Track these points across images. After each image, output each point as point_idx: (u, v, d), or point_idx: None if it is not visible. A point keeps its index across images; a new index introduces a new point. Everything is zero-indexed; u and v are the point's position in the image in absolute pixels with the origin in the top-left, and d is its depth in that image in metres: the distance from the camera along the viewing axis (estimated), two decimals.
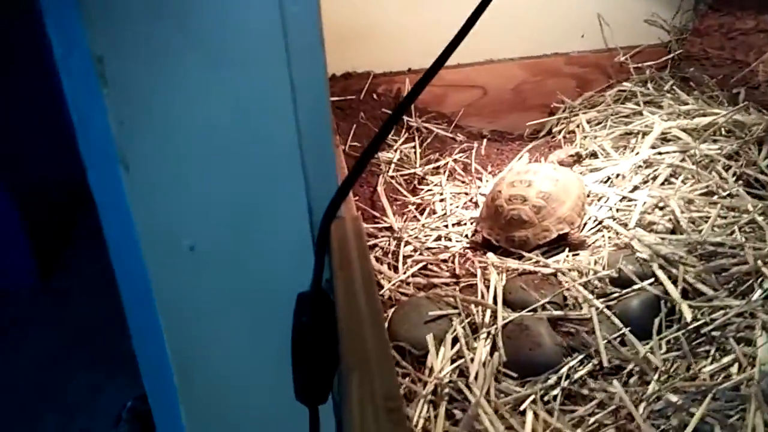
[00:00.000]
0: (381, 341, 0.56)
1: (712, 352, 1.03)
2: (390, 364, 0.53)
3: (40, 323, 2.82)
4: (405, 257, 1.27)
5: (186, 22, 0.60)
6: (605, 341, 1.05)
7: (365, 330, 0.58)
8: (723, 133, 1.45)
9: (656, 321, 1.08)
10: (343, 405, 0.57)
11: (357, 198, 1.42)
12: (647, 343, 1.05)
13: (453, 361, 1.03)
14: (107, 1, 0.56)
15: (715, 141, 1.43)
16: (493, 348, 1.05)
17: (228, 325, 0.71)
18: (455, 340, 1.06)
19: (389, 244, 1.30)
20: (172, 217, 0.65)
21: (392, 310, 1.13)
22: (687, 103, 1.57)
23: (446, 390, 0.98)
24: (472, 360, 1.02)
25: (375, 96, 1.67)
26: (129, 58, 0.59)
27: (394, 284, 1.19)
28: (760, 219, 1.21)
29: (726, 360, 1.01)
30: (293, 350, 0.70)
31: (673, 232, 1.23)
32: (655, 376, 0.99)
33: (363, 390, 0.51)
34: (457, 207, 1.43)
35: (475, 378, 1.00)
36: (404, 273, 1.22)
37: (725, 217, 1.24)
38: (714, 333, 1.05)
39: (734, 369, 1.00)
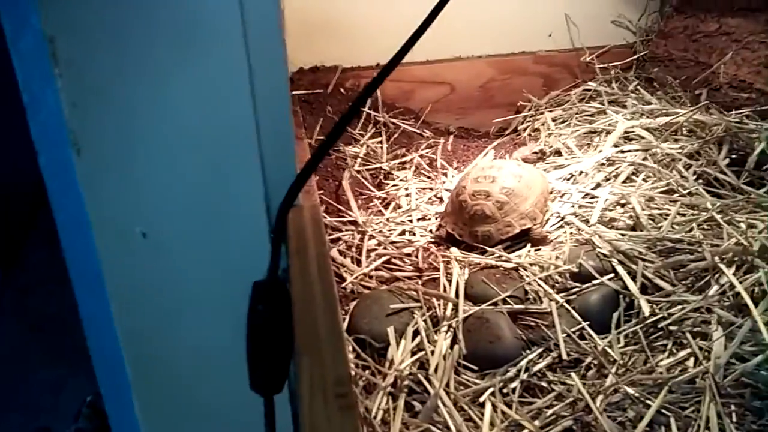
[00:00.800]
0: (334, 327, 0.56)
1: (669, 346, 1.05)
2: (342, 350, 0.53)
3: (0, 317, 2.78)
4: (369, 251, 1.26)
5: (144, 3, 0.59)
6: (564, 335, 1.06)
7: (318, 316, 0.58)
8: (684, 132, 1.47)
9: (615, 315, 1.09)
10: (296, 391, 0.56)
11: (322, 192, 1.41)
12: (606, 337, 1.06)
13: (413, 354, 1.03)
14: None
15: (676, 140, 1.45)
16: (454, 341, 1.05)
17: (182, 313, 0.70)
18: (416, 333, 1.06)
19: (353, 238, 1.30)
20: (124, 202, 0.64)
21: (354, 303, 1.12)
22: (650, 103, 1.59)
23: (406, 382, 0.98)
24: (432, 353, 1.03)
25: (342, 90, 1.66)
26: (83, 38, 0.58)
27: (356, 277, 1.18)
28: (718, 217, 1.22)
29: (682, 354, 1.03)
30: (248, 339, 0.69)
31: (633, 228, 1.25)
32: (613, 369, 1.00)
33: (313, 375, 0.50)
34: (423, 202, 1.43)
35: (435, 370, 1.00)
36: (367, 266, 1.22)
37: (684, 215, 1.26)
38: (671, 327, 1.06)
39: (690, 363, 1.02)
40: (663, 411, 0.95)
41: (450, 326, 1.07)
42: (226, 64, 0.65)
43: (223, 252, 0.69)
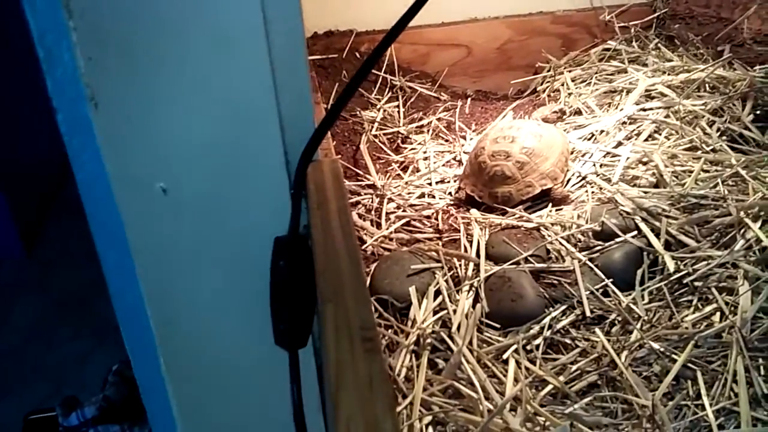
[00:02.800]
0: (357, 275, 0.56)
1: (695, 301, 1.03)
2: (365, 296, 0.53)
3: (26, 294, 2.82)
4: (388, 214, 1.26)
5: None
6: (588, 292, 1.05)
7: (341, 265, 0.57)
8: (707, 89, 1.44)
9: (639, 272, 1.08)
10: (321, 338, 0.56)
11: (340, 156, 1.41)
12: (630, 294, 1.05)
13: (435, 313, 1.03)
14: None
15: (699, 97, 1.42)
16: (476, 300, 1.05)
17: (204, 270, 0.70)
18: (437, 293, 1.06)
19: (372, 202, 1.29)
20: (144, 158, 0.63)
21: (375, 264, 1.12)
22: (671, 60, 1.56)
23: (429, 340, 0.98)
24: (454, 311, 1.02)
25: (358, 54, 1.65)
26: None
27: (377, 239, 1.18)
28: (743, 172, 1.20)
29: (708, 309, 1.01)
30: (272, 295, 0.69)
31: (656, 186, 1.23)
32: (638, 325, 1.00)
33: (338, 320, 0.50)
34: (441, 165, 1.42)
35: (458, 329, 0.99)
36: (387, 229, 1.21)
37: (708, 171, 1.24)
38: (696, 283, 1.05)
39: (716, 318, 1.00)
40: (689, 365, 0.94)
41: (472, 286, 1.06)
42: (243, 17, 0.64)
43: (244, 208, 0.69)
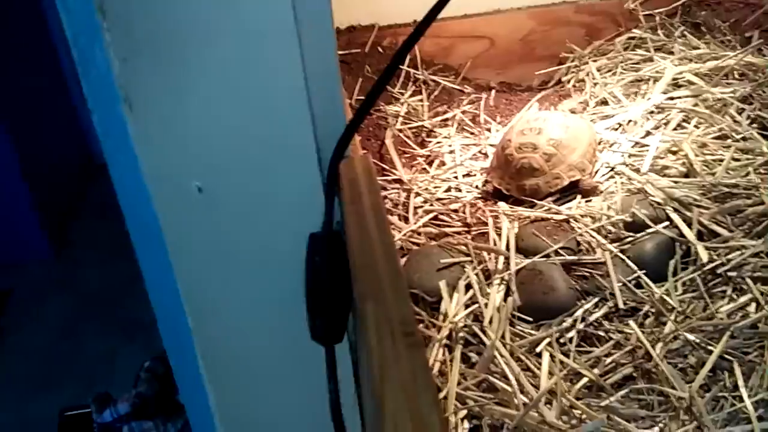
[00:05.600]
0: (394, 271, 0.56)
1: (729, 292, 1.02)
2: (404, 292, 0.53)
3: (54, 293, 2.85)
4: (415, 208, 1.26)
5: None
6: (620, 284, 1.04)
7: (378, 261, 0.57)
8: (736, 76, 1.42)
9: (671, 263, 1.07)
10: (359, 333, 0.56)
11: (365, 151, 1.40)
12: (663, 285, 1.04)
13: (467, 307, 1.02)
14: None
15: (728, 84, 1.40)
16: (507, 293, 1.04)
17: (240, 266, 0.71)
18: (468, 287, 1.05)
19: (399, 196, 1.29)
20: (179, 157, 0.64)
21: (404, 259, 1.12)
22: (698, 48, 1.54)
23: (461, 334, 0.98)
24: (486, 305, 1.02)
25: (380, 49, 1.64)
26: None
27: (405, 234, 1.18)
28: None
29: (743, 299, 1.00)
30: (307, 291, 0.69)
31: (686, 175, 1.21)
32: (672, 317, 0.99)
33: (379, 317, 0.50)
34: (467, 158, 1.41)
35: (490, 322, 0.99)
36: (415, 223, 1.21)
37: (739, 160, 1.22)
38: (730, 273, 1.04)
39: (752, 308, 0.99)
40: (725, 357, 0.93)
41: (502, 279, 1.06)
42: (274, 16, 0.64)
43: (278, 205, 0.69)
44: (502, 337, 0.97)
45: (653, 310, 1.01)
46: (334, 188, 0.66)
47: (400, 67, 1.62)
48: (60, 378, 2.46)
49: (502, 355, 0.93)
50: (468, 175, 1.37)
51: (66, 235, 3.17)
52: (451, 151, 1.44)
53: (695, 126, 1.32)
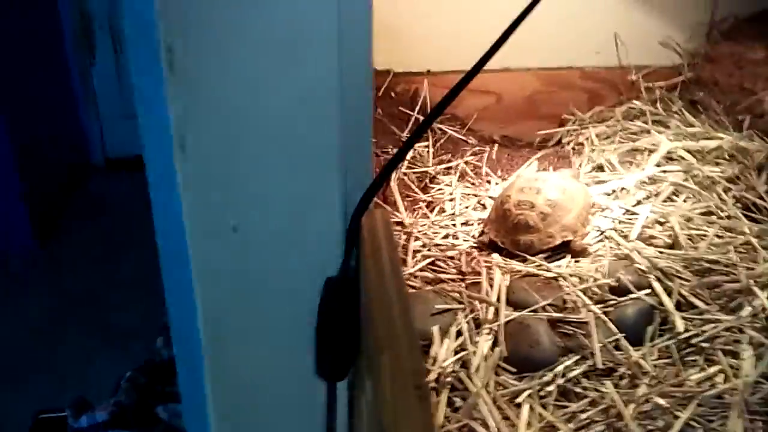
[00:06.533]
0: (408, 324, 0.62)
1: (701, 362, 1.09)
2: (416, 344, 0.59)
3: (36, 287, 2.82)
4: (414, 251, 1.32)
5: (253, 12, 0.65)
6: (600, 345, 1.11)
7: (394, 314, 0.64)
8: (726, 157, 1.51)
9: (650, 329, 1.14)
10: (367, 378, 0.62)
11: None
12: (640, 350, 1.11)
13: (456, 353, 1.09)
14: None
15: (717, 164, 1.49)
16: (494, 343, 1.11)
17: (260, 300, 0.77)
18: (458, 333, 1.12)
19: (399, 238, 1.36)
20: (221, 198, 0.70)
21: None
22: (693, 126, 1.63)
23: (449, 379, 1.04)
24: (474, 353, 1.08)
25: (393, 95, 1.72)
26: (197, 47, 0.64)
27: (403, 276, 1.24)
28: (755, 241, 1.27)
29: (713, 370, 1.07)
30: (318, 329, 0.76)
31: (671, 246, 1.29)
32: (646, 380, 1.06)
33: (394, 368, 0.56)
34: (467, 208, 1.49)
35: (476, 370, 1.06)
36: (413, 267, 1.28)
37: (722, 237, 1.30)
38: (703, 344, 1.11)
39: (719, 379, 1.06)
40: (691, 423, 1.00)
41: (491, 329, 1.13)
42: (319, 74, 0.71)
43: (302, 248, 0.76)
44: (487, 385, 1.03)
45: (629, 372, 1.08)
46: (355, 241, 0.73)
47: (411, 113, 1.70)
48: (33, 377, 2.42)
49: (485, 403, 1.00)
50: (466, 224, 1.45)
51: (53, 232, 3.12)
52: (452, 199, 1.51)
53: (684, 200, 1.41)
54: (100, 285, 2.75)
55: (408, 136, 1.69)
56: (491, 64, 1.76)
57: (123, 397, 1.81)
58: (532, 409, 1.01)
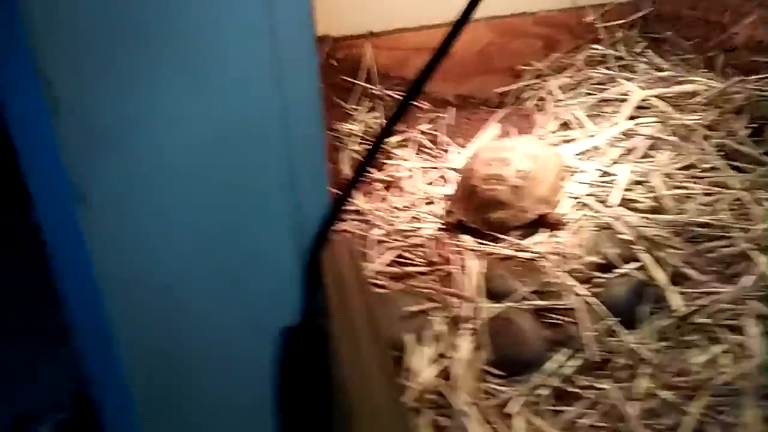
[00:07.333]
0: (391, 389, 0.49)
1: (703, 342, 1.00)
2: (403, 413, 0.46)
3: None
4: (377, 242, 1.19)
5: (152, 41, 0.49)
6: (592, 334, 1.00)
7: (372, 379, 0.51)
8: (701, 101, 1.39)
9: (644, 309, 1.04)
10: None
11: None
12: (635, 333, 1.01)
13: (434, 361, 0.97)
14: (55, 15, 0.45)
15: (693, 111, 1.37)
16: (477, 345, 0.99)
17: (204, 366, 0.63)
18: (435, 338, 1.00)
19: (358, 228, 1.22)
20: (134, 253, 0.55)
21: None
22: (663, 69, 1.50)
23: (430, 396, 0.92)
24: (455, 360, 0.96)
25: (334, 62, 1.56)
26: (83, 79, 0.49)
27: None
28: (746, 196, 1.17)
29: (717, 350, 0.98)
30: (281, 391, 0.62)
31: (656, 210, 1.18)
32: (646, 370, 0.95)
33: None
34: (429, 184, 1.35)
35: (460, 382, 0.94)
36: (376, 262, 1.14)
37: (710, 194, 1.20)
38: (704, 321, 1.01)
39: (726, 360, 0.97)
40: (701, 417, 0.91)
41: (472, 329, 1.01)
42: (254, 97, 0.56)
43: (251, 296, 0.61)
44: (473, 396, 0.92)
45: (627, 363, 0.97)
46: (314, 283, 0.59)
47: (355, 81, 1.54)
48: None
49: (474, 419, 0.88)
50: (429, 203, 1.31)
51: None
52: (411, 176, 1.37)
53: (663, 155, 1.29)
54: (31, 288, 2.58)
55: (354, 108, 1.53)
56: (437, 19, 1.62)
57: (66, 412, 1.69)
58: (528, 422, 0.90)
